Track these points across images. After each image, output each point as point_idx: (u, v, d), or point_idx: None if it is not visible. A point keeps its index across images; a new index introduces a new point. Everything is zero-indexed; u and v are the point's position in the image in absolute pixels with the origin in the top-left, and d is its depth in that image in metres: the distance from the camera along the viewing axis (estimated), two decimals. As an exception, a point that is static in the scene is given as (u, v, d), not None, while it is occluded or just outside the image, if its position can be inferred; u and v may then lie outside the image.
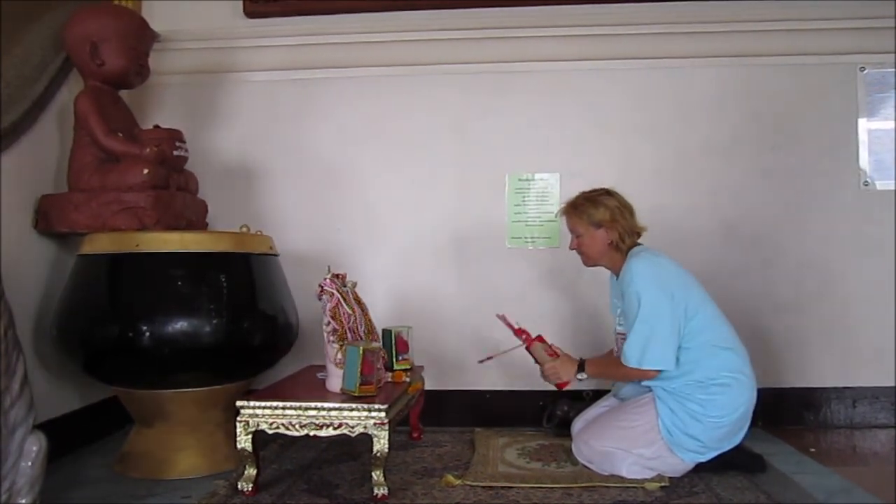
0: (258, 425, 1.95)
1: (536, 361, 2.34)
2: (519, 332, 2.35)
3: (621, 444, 2.10)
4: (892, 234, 2.79)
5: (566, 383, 2.29)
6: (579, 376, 2.26)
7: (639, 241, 2.27)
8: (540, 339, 2.36)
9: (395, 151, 2.94)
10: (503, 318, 2.36)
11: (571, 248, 2.32)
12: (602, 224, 2.22)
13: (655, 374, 2.11)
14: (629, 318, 2.13)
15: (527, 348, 2.35)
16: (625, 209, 2.24)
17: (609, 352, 2.29)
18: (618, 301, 2.27)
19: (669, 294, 2.09)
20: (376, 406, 1.90)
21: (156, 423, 2.22)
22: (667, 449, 2.08)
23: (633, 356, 2.10)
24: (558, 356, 2.32)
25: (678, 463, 2.10)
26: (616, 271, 2.27)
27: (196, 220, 2.51)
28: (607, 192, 2.26)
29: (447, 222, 2.91)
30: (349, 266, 2.50)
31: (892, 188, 2.81)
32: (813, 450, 2.45)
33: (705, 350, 2.10)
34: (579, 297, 2.84)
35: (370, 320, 2.24)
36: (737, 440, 2.13)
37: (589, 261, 2.31)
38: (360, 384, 1.94)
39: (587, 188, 2.30)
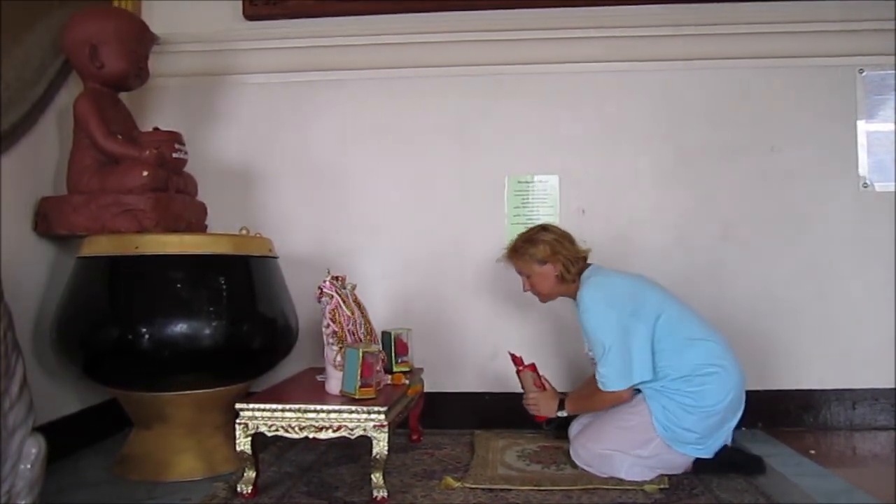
0: (257, 427, 1.94)
1: (523, 387, 2.41)
2: (515, 359, 2.43)
3: (619, 445, 2.10)
4: (892, 235, 2.79)
5: (544, 417, 2.35)
6: (559, 413, 2.31)
7: (589, 262, 2.30)
8: (532, 367, 2.42)
9: (395, 154, 2.93)
10: (512, 356, 2.43)
11: (525, 291, 2.36)
12: (546, 260, 2.26)
13: (630, 395, 2.14)
14: (595, 347, 2.16)
15: (518, 373, 2.43)
16: (563, 239, 2.28)
17: (592, 376, 2.32)
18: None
19: (626, 310, 2.12)
20: (376, 408, 1.90)
21: (155, 425, 2.22)
22: (665, 446, 2.09)
23: (614, 381, 2.12)
24: (545, 389, 2.39)
25: (678, 458, 2.11)
26: (574, 298, 2.29)
27: (195, 222, 2.51)
28: (543, 228, 2.32)
29: (447, 224, 2.90)
30: (349, 268, 2.51)
31: (892, 190, 2.81)
32: (813, 452, 2.45)
33: (681, 346, 2.13)
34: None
35: (370, 322, 2.24)
36: (732, 424, 2.15)
37: (544, 297, 2.36)
38: (360, 386, 1.94)
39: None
